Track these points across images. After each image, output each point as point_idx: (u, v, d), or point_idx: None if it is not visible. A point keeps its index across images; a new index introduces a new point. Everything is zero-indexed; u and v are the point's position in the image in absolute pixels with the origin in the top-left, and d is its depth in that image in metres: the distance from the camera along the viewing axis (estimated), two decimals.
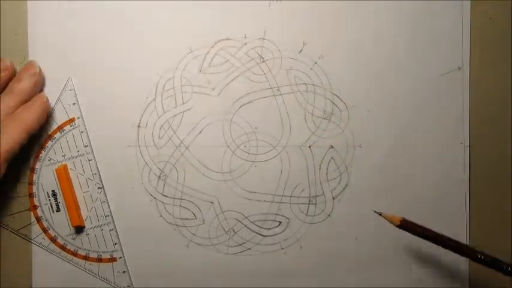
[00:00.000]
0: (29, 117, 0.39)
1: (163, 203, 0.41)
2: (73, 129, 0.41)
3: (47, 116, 0.41)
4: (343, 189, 0.41)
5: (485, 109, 0.42)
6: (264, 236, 0.41)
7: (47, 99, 0.40)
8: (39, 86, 0.41)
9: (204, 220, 0.41)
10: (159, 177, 0.41)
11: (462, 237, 0.41)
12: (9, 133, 0.38)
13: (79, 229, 0.41)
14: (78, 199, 0.41)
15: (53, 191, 0.41)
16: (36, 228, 0.41)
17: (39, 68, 0.41)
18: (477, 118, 0.41)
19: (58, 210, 0.41)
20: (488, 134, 0.42)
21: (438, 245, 0.36)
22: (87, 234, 0.41)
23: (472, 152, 0.41)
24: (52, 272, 0.41)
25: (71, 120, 0.41)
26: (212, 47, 0.42)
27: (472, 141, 0.41)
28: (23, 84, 0.40)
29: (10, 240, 0.41)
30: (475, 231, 0.42)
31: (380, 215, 0.37)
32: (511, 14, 0.42)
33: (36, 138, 0.41)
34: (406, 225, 0.36)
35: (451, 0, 0.41)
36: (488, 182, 0.42)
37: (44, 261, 0.41)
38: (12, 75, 0.41)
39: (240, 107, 0.41)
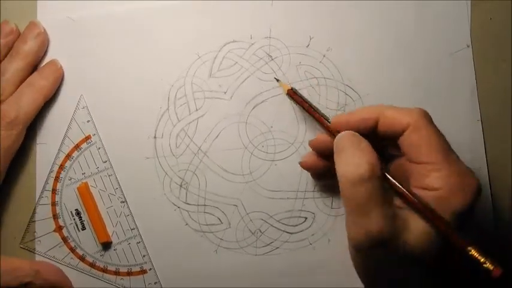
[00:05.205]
0: (45, 84, 0.40)
1: (187, 211, 0.41)
2: (90, 146, 0.41)
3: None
4: None
5: (489, 110, 0.41)
6: (291, 233, 0.41)
7: (61, 67, 0.41)
8: (44, 46, 0.41)
9: (230, 224, 0.41)
10: (181, 185, 0.41)
11: (489, 216, 0.41)
12: (28, 99, 0.39)
13: (106, 245, 0.41)
14: (102, 215, 0.41)
15: (77, 209, 0.41)
16: (64, 249, 0.41)
17: (43, 28, 0.41)
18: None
19: (83, 228, 0.41)
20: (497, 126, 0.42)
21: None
22: (115, 250, 0.41)
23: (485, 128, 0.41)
24: None
25: (87, 138, 0.42)
26: (219, 51, 0.42)
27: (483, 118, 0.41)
28: (29, 46, 0.40)
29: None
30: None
31: (277, 81, 0.41)
32: (511, 14, 0.42)
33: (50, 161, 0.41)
34: (292, 95, 0.39)
35: None
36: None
37: (73, 281, 0.41)
38: (17, 39, 0.41)
39: (254, 107, 0.41)
